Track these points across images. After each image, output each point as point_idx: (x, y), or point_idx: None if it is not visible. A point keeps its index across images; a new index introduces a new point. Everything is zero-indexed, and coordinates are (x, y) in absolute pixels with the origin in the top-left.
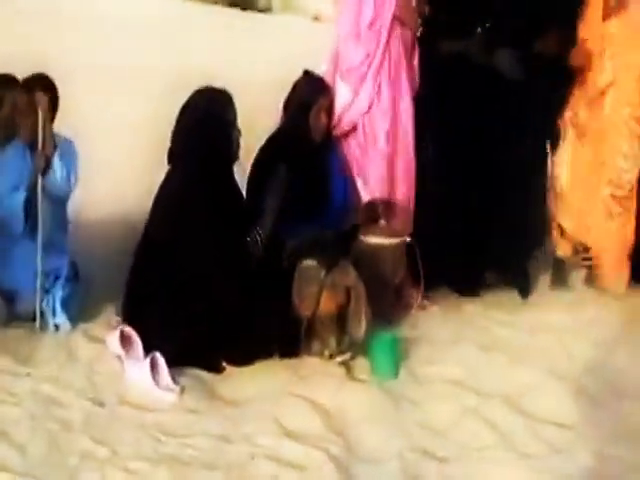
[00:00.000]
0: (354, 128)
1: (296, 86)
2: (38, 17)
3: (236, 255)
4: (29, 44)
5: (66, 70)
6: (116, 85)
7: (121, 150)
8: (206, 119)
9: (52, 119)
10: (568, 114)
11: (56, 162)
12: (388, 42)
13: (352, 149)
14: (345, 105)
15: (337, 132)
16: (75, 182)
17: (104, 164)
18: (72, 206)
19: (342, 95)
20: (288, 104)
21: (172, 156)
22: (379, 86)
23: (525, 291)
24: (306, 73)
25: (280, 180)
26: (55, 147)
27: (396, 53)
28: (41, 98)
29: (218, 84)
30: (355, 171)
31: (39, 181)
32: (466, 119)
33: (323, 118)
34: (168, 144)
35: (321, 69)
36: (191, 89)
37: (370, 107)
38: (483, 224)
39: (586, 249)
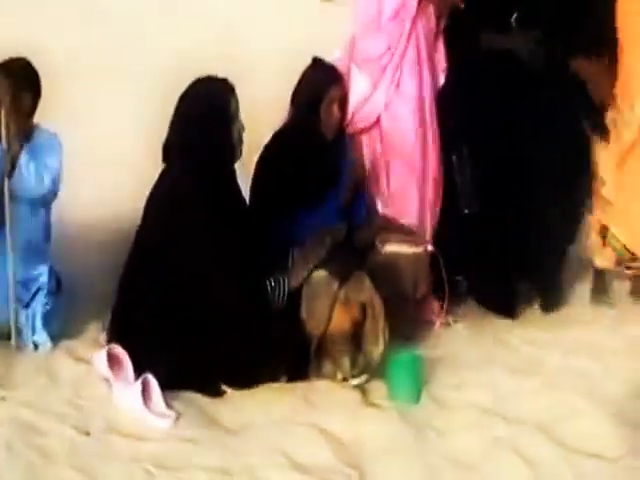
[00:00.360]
0: (369, 127)
1: (305, 76)
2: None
3: (238, 265)
4: (25, 42)
5: (55, 62)
6: (107, 78)
7: (113, 148)
8: (205, 112)
9: (33, 109)
10: (611, 113)
11: (23, 161)
12: (411, 32)
13: (368, 148)
14: (361, 99)
15: (350, 130)
16: (55, 181)
17: (93, 162)
18: (56, 209)
19: (359, 87)
20: (296, 96)
21: (167, 153)
22: (399, 80)
23: (549, 305)
24: (316, 61)
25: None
26: (22, 146)
27: (421, 43)
28: (3, 97)
29: (217, 73)
30: (371, 172)
31: (5, 183)
32: (500, 118)
33: (335, 112)
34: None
35: (333, 56)
36: (186, 79)
37: (388, 104)
38: (519, 233)
39: (632, 258)
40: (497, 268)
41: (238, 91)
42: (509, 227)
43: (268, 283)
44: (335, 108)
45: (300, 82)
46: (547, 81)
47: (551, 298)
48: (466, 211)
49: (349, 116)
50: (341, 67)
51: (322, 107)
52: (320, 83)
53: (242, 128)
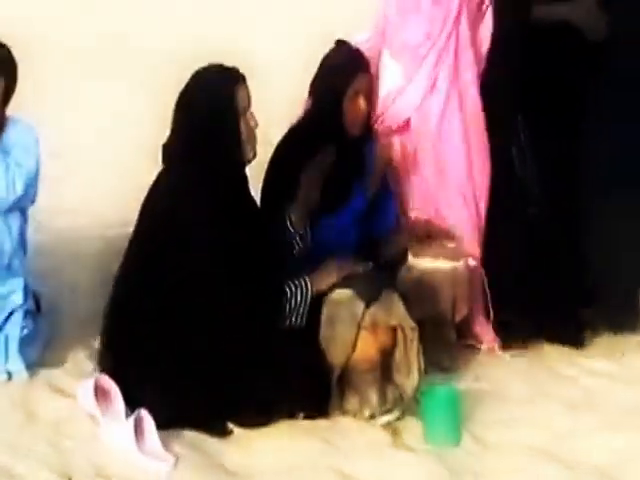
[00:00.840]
0: (400, 127)
1: (326, 61)
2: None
3: (247, 280)
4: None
5: (38, 49)
6: (98, 68)
7: (101, 146)
8: (209, 106)
9: (6, 99)
10: None
11: None
12: (457, 17)
13: (397, 150)
14: (394, 92)
15: (379, 129)
16: (31, 184)
17: (78, 162)
18: (33, 216)
19: (392, 78)
20: (316, 85)
21: (167, 153)
22: (437, 72)
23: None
24: (339, 44)
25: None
26: None
27: (464, 25)
28: None
29: (226, 60)
30: (404, 176)
31: None
32: (561, 101)
33: (361, 104)
34: (161, 138)
35: (358, 38)
36: (187, 70)
37: (422, 100)
38: (581, 245)
39: None
40: (561, 284)
41: (248, 81)
42: (575, 232)
43: (287, 287)
44: (361, 100)
45: (321, 69)
46: (615, 56)
47: (627, 316)
48: (532, 210)
49: (379, 111)
50: (368, 52)
51: (346, 98)
52: (345, 70)
53: (254, 124)
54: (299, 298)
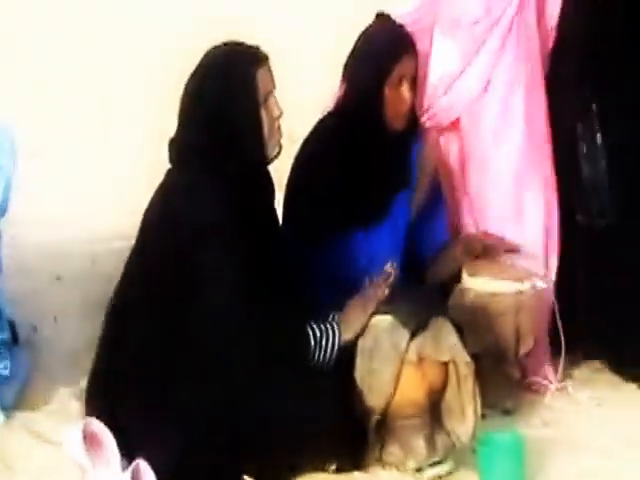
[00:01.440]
0: (454, 123)
1: (364, 40)
2: None
3: (270, 308)
4: None
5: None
6: (84, 53)
7: (87, 143)
8: (226, 92)
9: None
10: None
11: None
12: None
13: (447, 149)
14: (447, 77)
15: (428, 123)
16: (5, 190)
17: (60, 165)
18: (7, 229)
19: (445, 60)
20: (351, 68)
21: (175, 151)
22: (499, 55)
23: None
24: (381, 18)
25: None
26: None
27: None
28: None
29: (246, 39)
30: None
31: None
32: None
33: (405, 93)
34: (164, 133)
35: (402, 11)
36: (195, 56)
37: (484, 90)
38: None
39: None
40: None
41: (273, 62)
42: None
43: (311, 331)
44: (405, 88)
45: (357, 48)
46: None
47: None
48: (602, 221)
49: (428, 102)
50: (414, 27)
51: (388, 86)
52: (387, 52)
53: (279, 112)
54: (325, 345)
